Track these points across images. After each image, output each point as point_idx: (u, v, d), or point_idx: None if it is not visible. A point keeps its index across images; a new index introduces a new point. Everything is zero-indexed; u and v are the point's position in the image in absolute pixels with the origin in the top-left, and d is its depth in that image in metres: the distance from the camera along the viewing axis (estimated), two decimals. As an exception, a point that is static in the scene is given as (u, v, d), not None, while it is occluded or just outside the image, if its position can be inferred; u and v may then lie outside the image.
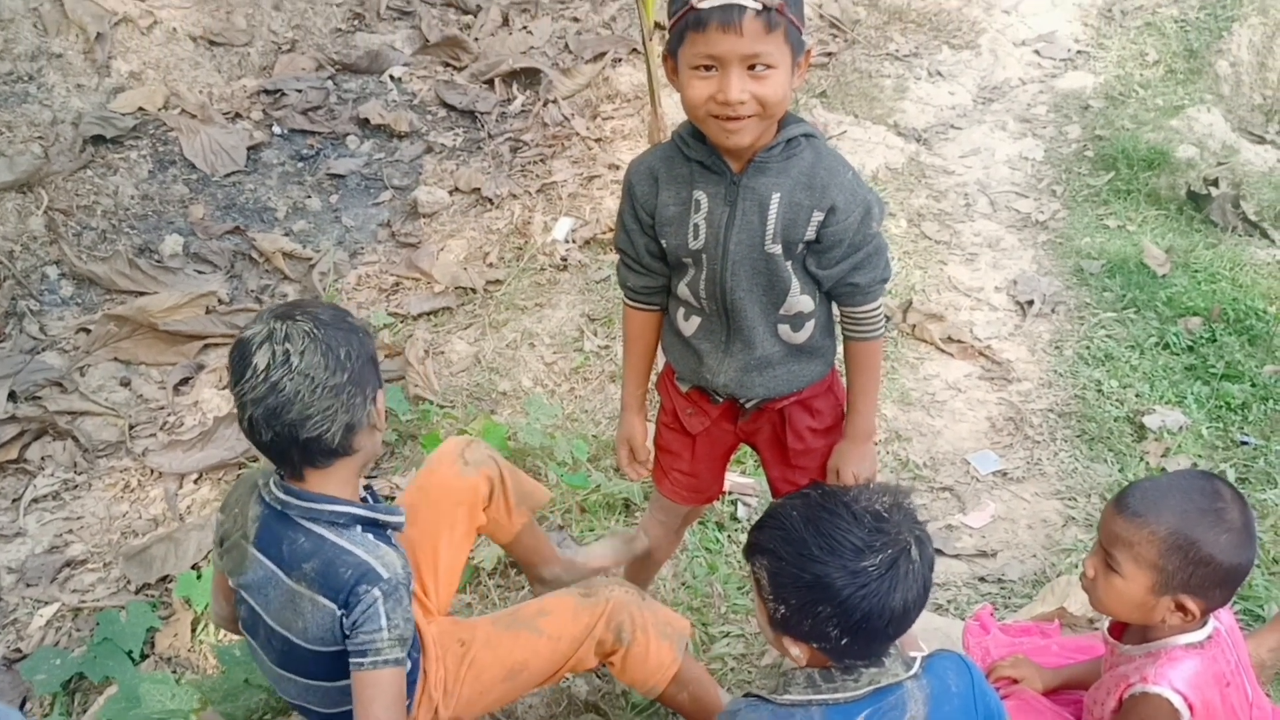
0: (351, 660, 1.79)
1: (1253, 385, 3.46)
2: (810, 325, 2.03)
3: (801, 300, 1.99)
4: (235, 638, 2.64)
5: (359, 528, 1.82)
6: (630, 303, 2.18)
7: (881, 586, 1.61)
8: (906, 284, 3.95)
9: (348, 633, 1.79)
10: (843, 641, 1.64)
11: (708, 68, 1.78)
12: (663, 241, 2.01)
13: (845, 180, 1.91)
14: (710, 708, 2.26)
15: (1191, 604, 1.85)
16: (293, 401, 1.71)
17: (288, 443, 1.75)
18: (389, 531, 1.88)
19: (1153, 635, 1.95)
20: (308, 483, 1.81)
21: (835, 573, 1.62)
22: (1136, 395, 3.47)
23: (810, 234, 1.91)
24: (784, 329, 2.02)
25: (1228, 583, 1.85)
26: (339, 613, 1.78)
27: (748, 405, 2.14)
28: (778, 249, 1.92)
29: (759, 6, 1.70)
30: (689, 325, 2.08)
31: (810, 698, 1.68)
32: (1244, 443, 3.28)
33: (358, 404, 1.76)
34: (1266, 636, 2.44)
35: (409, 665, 1.87)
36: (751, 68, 1.76)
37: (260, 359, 1.71)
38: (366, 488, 1.95)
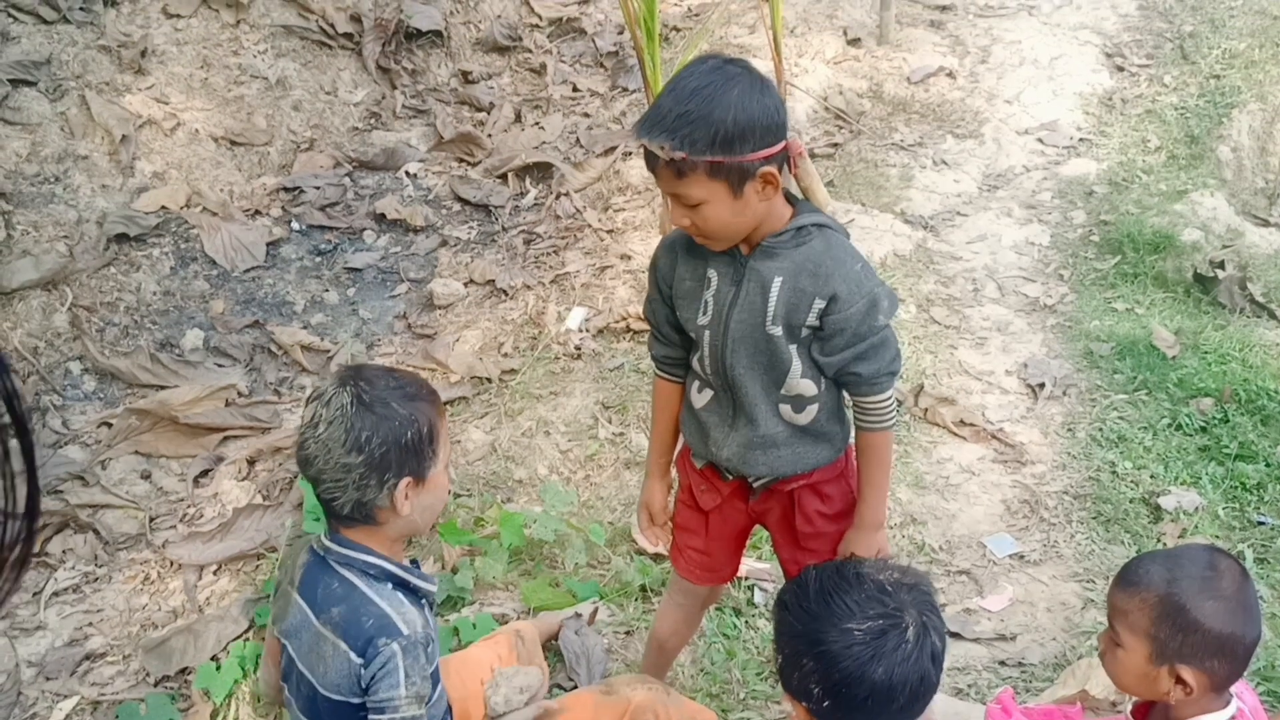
0: (370, 716, 1.82)
1: (1267, 465, 3.46)
2: (814, 409, 2.06)
3: (802, 384, 2.03)
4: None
5: (390, 584, 1.87)
6: (658, 372, 2.26)
7: (864, 653, 1.64)
8: (917, 368, 3.98)
9: (366, 687, 1.82)
10: (824, 704, 1.68)
11: None
12: (677, 314, 2.09)
13: (851, 271, 1.96)
14: None
15: (1189, 675, 1.84)
16: (311, 462, 1.80)
17: (315, 492, 1.85)
18: (421, 598, 1.91)
19: (1175, 716, 1.95)
20: (349, 533, 1.87)
21: (823, 628, 1.67)
22: (1151, 476, 3.48)
23: (813, 320, 1.96)
24: (785, 409, 2.06)
25: (1224, 653, 1.85)
26: (357, 661, 1.81)
27: (756, 484, 2.17)
28: (779, 331, 1.97)
29: (665, 158, 1.81)
30: (700, 398, 2.14)
31: None
32: (1261, 522, 3.28)
33: (370, 486, 1.79)
34: (1291, 718, 2.43)
35: None
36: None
37: (308, 412, 1.82)
38: (413, 560, 1.99)
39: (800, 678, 1.69)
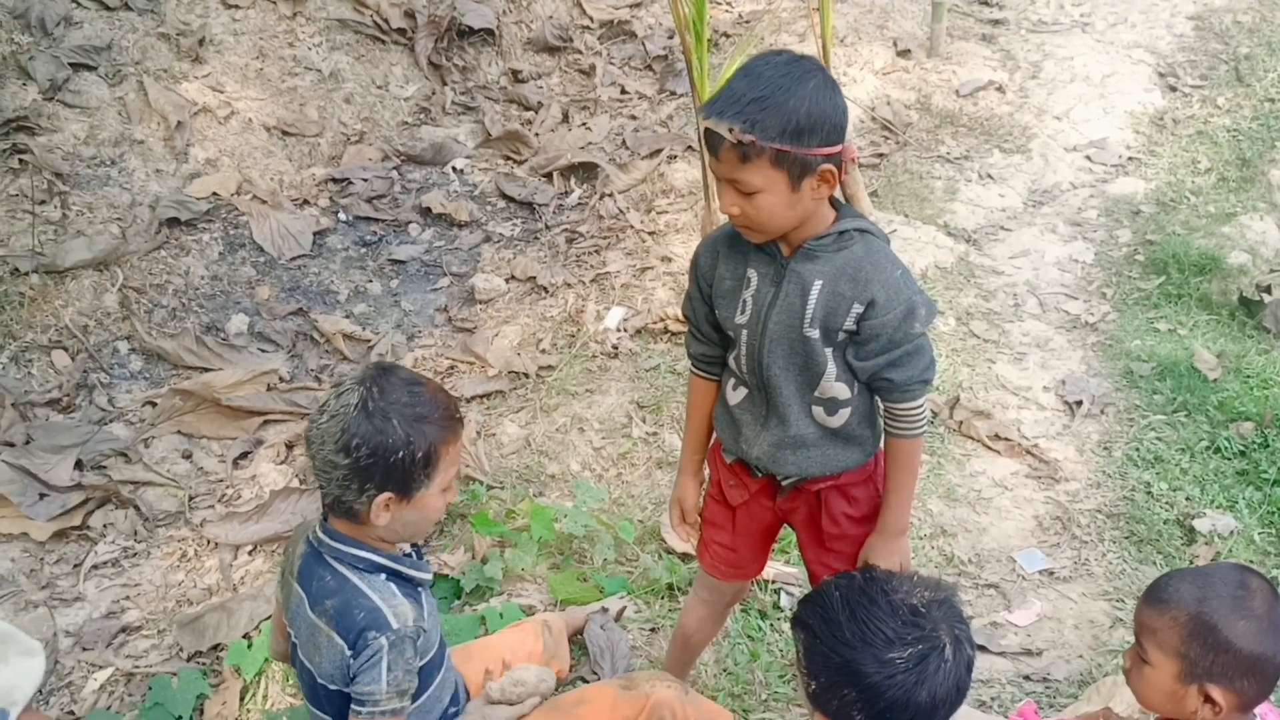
0: (352, 706, 1.85)
1: (1306, 491, 3.43)
2: (846, 412, 2.07)
3: (836, 387, 2.04)
4: (282, 706, 2.69)
5: (383, 575, 1.89)
6: (694, 370, 2.28)
7: (908, 680, 1.64)
8: (954, 381, 3.97)
9: (353, 677, 1.85)
10: None
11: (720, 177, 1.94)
12: (716, 312, 2.11)
13: (891, 277, 1.97)
14: None
15: (1218, 694, 1.83)
16: (310, 445, 1.83)
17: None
18: (417, 586, 1.93)
19: None
20: (339, 526, 1.89)
21: (864, 660, 1.65)
22: (1186, 498, 3.45)
23: (850, 324, 1.97)
24: (818, 411, 2.07)
25: (1254, 673, 1.84)
26: (348, 652, 1.84)
27: (784, 483, 2.18)
28: (815, 333, 1.98)
29: (733, 140, 1.81)
30: (735, 395, 2.16)
31: None
32: (1296, 549, 3.25)
33: (351, 490, 1.80)
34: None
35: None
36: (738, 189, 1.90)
37: (324, 397, 1.85)
38: (415, 547, 2.01)
39: (841, 705, 1.68)
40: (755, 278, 2.03)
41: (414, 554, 2.00)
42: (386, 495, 1.81)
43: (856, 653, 1.66)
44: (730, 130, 1.81)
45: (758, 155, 1.83)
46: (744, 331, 2.06)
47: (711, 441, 2.32)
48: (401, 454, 1.78)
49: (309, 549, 1.93)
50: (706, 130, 1.87)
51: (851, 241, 1.98)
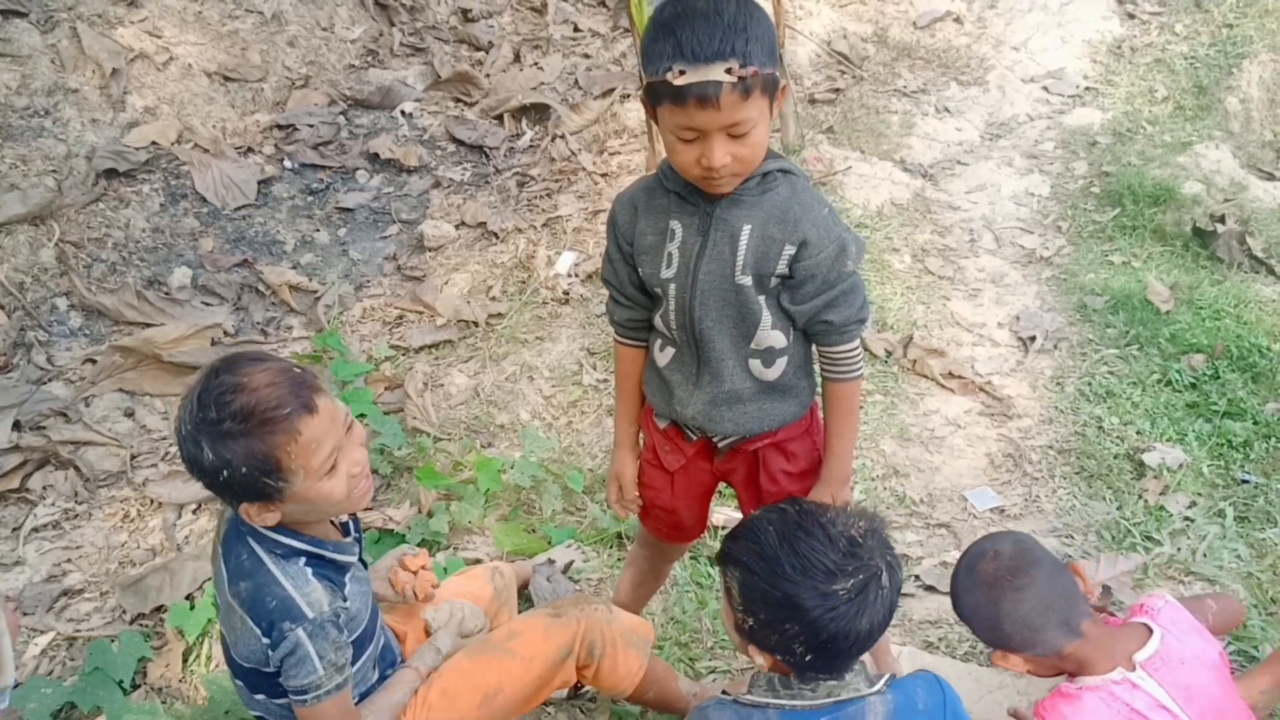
0: (293, 699, 1.81)
1: (1255, 423, 3.43)
2: (783, 362, 2.03)
3: (773, 335, 1.99)
4: (224, 668, 2.67)
5: (301, 560, 1.83)
6: (619, 339, 2.19)
7: (850, 610, 1.65)
8: (908, 319, 3.95)
9: (278, 670, 1.81)
10: (807, 658, 1.69)
11: (689, 138, 1.79)
12: (640, 270, 2.03)
13: (819, 216, 1.92)
14: (673, 698, 2.36)
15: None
16: None
17: None
18: (344, 572, 1.89)
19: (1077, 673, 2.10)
20: None
21: (806, 593, 1.65)
22: (1137, 432, 3.45)
23: (782, 268, 1.92)
24: (755, 364, 2.02)
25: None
26: (264, 642, 1.80)
27: (721, 444, 2.14)
28: (748, 281, 1.93)
29: (734, 80, 1.70)
30: (663, 356, 2.10)
31: (769, 701, 1.74)
32: (1245, 481, 3.26)
33: (220, 486, 1.72)
34: (1258, 679, 2.41)
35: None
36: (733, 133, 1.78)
37: None
38: (352, 516, 1.96)
39: (782, 639, 1.68)
40: (680, 229, 1.96)
41: (351, 524, 1.96)
42: (246, 505, 1.74)
43: (799, 587, 1.65)
44: (729, 70, 1.70)
45: (754, 86, 1.73)
46: (671, 286, 1.98)
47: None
48: (226, 474, 1.67)
49: (231, 524, 1.87)
50: (685, 86, 1.71)
51: (775, 183, 1.92)
